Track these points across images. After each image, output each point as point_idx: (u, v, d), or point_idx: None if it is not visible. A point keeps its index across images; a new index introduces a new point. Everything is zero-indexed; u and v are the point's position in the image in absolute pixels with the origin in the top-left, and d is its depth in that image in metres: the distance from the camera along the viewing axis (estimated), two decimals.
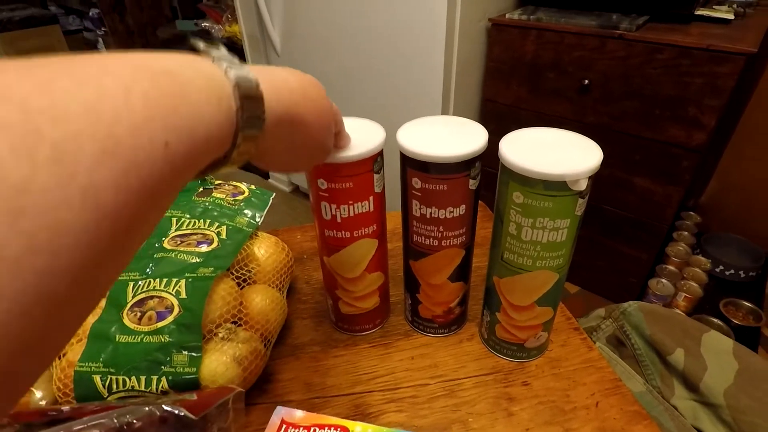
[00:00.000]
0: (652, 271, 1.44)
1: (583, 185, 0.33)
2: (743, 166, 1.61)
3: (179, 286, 0.43)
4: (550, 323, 0.44)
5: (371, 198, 0.40)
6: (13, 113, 0.12)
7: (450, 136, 0.38)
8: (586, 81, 1.20)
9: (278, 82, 0.23)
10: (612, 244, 1.43)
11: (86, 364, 0.40)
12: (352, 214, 0.40)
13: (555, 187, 0.33)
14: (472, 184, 0.38)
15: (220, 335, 0.42)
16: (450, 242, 0.41)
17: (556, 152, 0.35)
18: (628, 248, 1.41)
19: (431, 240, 0.41)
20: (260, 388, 0.45)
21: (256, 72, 0.21)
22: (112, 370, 0.40)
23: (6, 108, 0.12)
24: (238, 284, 0.47)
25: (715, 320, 1.31)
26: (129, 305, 0.43)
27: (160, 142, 0.15)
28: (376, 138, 0.38)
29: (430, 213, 0.39)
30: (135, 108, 0.14)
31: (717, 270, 1.51)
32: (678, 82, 1.09)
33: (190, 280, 0.43)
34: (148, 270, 0.45)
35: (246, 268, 0.48)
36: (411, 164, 0.38)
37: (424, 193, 0.38)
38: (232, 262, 0.47)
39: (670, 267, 1.46)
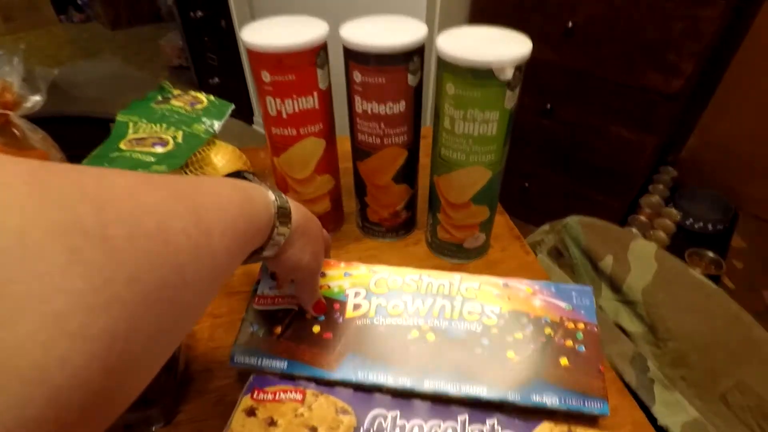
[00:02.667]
0: (624, 222, 1.48)
1: (509, 74, 0.35)
2: (725, 120, 1.62)
3: None
4: (488, 225, 0.47)
5: (315, 94, 0.41)
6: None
7: (391, 31, 0.39)
8: (571, 24, 1.19)
9: (299, 209, 0.33)
10: (586, 192, 1.46)
11: None
12: (296, 109, 0.41)
13: (482, 75, 0.34)
14: (411, 79, 0.40)
15: None
16: (392, 140, 0.43)
17: (488, 44, 0.36)
18: (602, 197, 1.44)
19: (374, 138, 0.43)
20: None
21: (289, 199, 0.31)
22: None
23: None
24: None
25: None
26: None
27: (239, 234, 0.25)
28: (318, 31, 0.39)
29: (371, 108, 0.41)
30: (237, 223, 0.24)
31: (687, 223, 1.55)
32: (660, 27, 1.08)
33: None
34: None
35: (202, 171, 0.50)
36: (352, 57, 0.39)
37: (365, 87, 0.40)
38: (186, 162, 0.48)
39: (641, 217, 1.50)
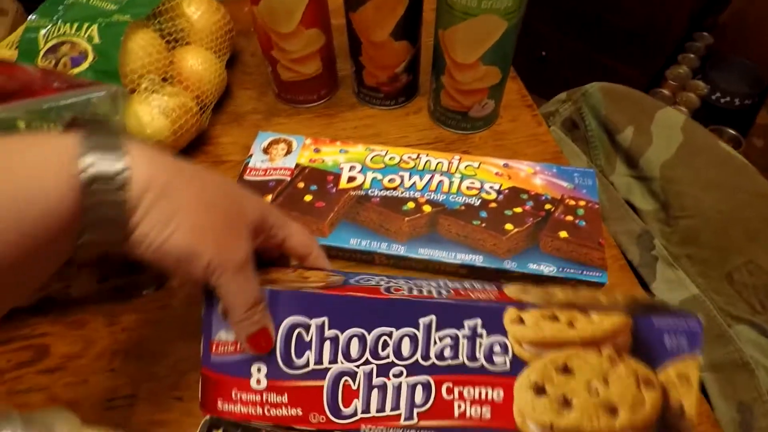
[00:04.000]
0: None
1: None
2: None
3: (92, 31, 0.39)
4: (499, 90, 0.42)
5: None
6: None
7: None
8: None
9: (160, 161, 0.20)
10: (609, 62, 1.34)
11: (7, 114, 0.39)
12: None
13: None
14: None
15: (144, 86, 0.39)
16: None
17: None
18: (626, 68, 1.32)
19: None
20: (200, 149, 0.45)
21: (143, 162, 0.19)
22: (32, 117, 0.39)
23: None
24: (168, 42, 0.43)
25: None
26: (42, 52, 0.39)
27: None
28: None
29: None
30: None
31: (713, 97, 1.45)
32: None
33: (103, 24, 0.39)
34: (56, 17, 0.40)
35: (173, 24, 0.43)
36: None
37: None
38: (153, 11, 0.42)
39: (665, 91, 1.39)
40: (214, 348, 0.24)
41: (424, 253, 0.34)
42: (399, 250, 0.34)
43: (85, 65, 0.38)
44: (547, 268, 0.32)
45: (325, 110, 0.47)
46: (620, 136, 0.45)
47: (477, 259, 0.33)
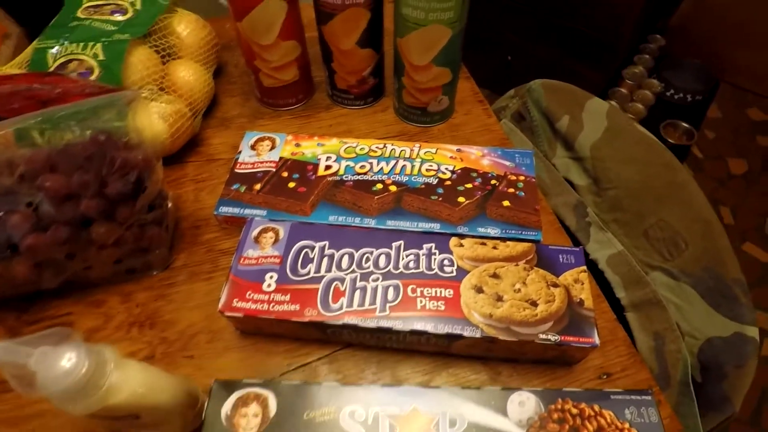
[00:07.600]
0: (605, 95, 1.48)
1: None
2: None
3: (96, 49, 0.45)
4: (451, 88, 0.49)
5: None
6: None
7: None
8: None
9: None
10: (570, 65, 1.44)
11: (24, 124, 0.44)
12: None
13: None
14: None
15: (144, 95, 0.45)
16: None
17: None
18: (586, 69, 1.42)
19: None
20: (194, 150, 0.51)
21: None
22: (45, 126, 0.44)
23: None
24: (162, 57, 0.49)
25: None
26: (52, 69, 0.45)
27: None
28: None
29: None
30: None
31: (668, 93, 1.55)
32: None
33: (106, 43, 0.45)
34: (63, 39, 0.46)
35: (165, 41, 0.50)
36: None
37: None
38: (149, 30, 0.48)
39: (622, 90, 1.49)
40: (241, 261, 0.33)
41: (391, 224, 0.40)
42: (370, 222, 0.40)
43: (91, 78, 0.44)
44: (492, 231, 0.39)
45: (303, 112, 0.54)
46: (558, 124, 0.52)
47: (435, 227, 0.39)
